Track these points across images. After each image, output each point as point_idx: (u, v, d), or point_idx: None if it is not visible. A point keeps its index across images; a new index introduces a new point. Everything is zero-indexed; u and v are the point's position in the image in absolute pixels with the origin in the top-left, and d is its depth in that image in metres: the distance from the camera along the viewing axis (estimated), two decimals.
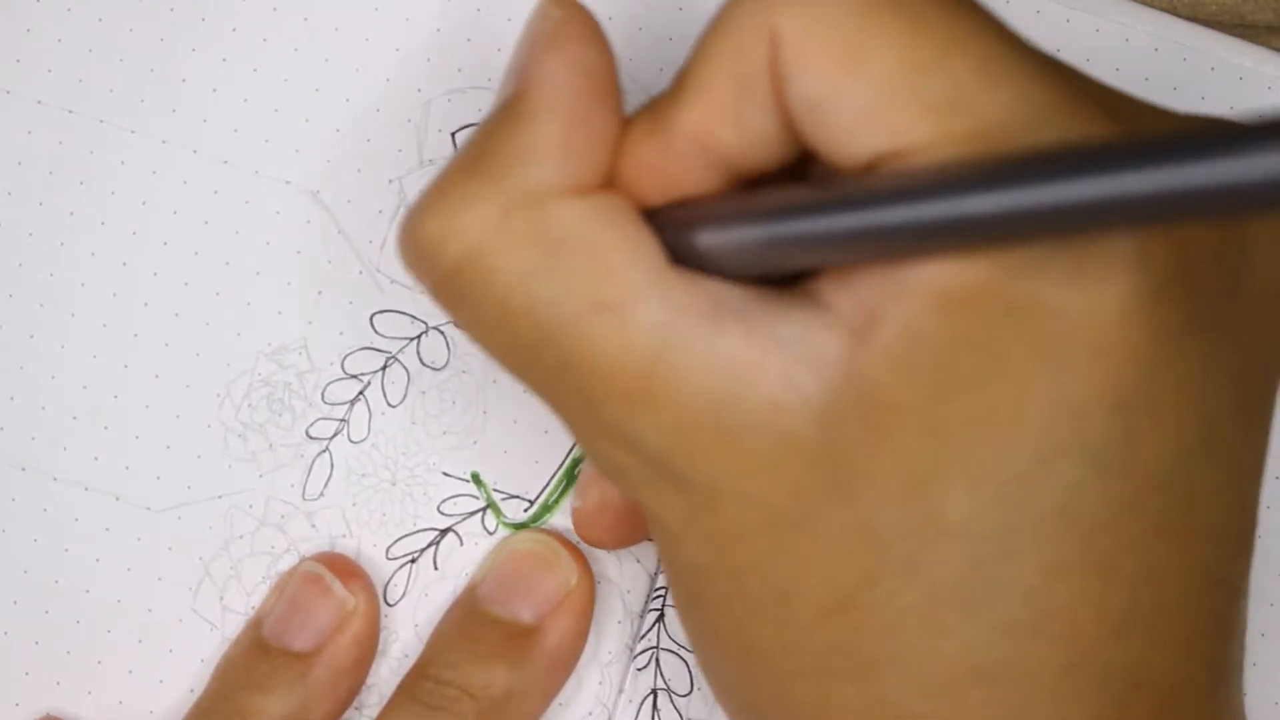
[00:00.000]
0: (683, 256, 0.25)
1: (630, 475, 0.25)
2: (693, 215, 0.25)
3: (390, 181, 0.36)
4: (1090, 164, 0.20)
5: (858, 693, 0.25)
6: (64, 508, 0.36)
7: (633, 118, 0.26)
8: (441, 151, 0.36)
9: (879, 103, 0.23)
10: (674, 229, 0.25)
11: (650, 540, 0.36)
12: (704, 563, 0.25)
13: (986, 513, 0.23)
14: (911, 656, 0.24)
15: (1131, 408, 0.23)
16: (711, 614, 0.26)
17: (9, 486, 0.36)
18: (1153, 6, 0.35)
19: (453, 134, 0.36)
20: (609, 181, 0.25)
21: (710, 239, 0.24)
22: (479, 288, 0.25)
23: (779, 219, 0.23)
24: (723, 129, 0.24)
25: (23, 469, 0.36)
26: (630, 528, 0.34)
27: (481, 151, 0.25)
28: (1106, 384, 0.23)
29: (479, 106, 0.36)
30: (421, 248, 0.25)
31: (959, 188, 0.21)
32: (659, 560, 0.27)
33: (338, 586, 0.35)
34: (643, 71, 0.36)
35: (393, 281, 0.36)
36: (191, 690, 0.36)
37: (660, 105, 0.25)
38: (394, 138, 0.36)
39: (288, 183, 0.36)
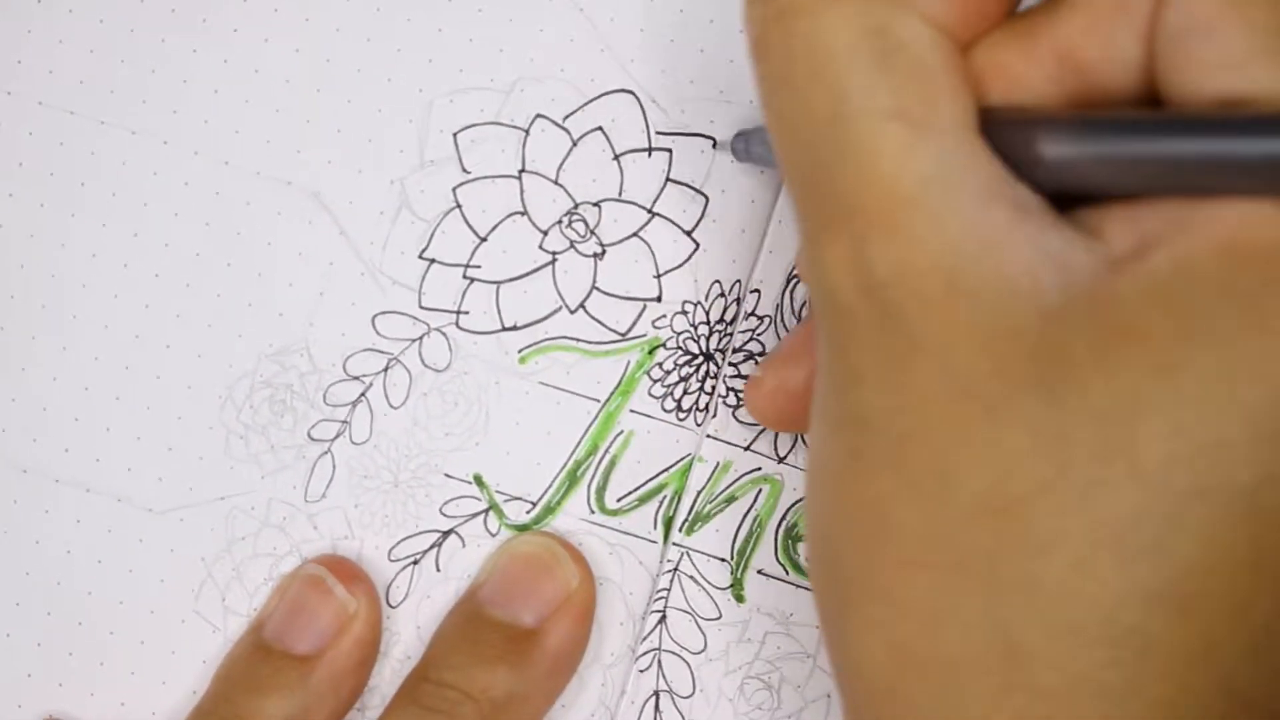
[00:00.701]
0: (998, 146, 0.25)
1: (839, 298, 0.25)
2: (1022, 114, 0.25)
3: (392, 182, 0.36)
4: None
5: (981, 609, 0.24)
6: (66, 509, 0.36)
7: (1009, 20, 0.26)
8: (443, 152, 0.36)
9: (1250, 44, 0.23)
10: (998, 124, 0.25)
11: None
12: (875, 417, 0.25)
13: (1181, 467, 0.23)
14: (1051, 589, 0.23)
15: None
16: (860, 471, 0.25)
17: (11, 488, 0.36)
18: None
19: (454, 134, 0.36)
20: (966, 48, 0.26)
21: (1038, 139, 0.24)
22: (806, 40, 0.25)
23: (1114, 134, 0.24)
24: (1091, 46, 0.25)
25: (24, 471, 0.36)
26: (793, 416, 0.34)
27: None
28: None
29: (481, 107, 0.36)
30: None
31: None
32: (816, 410, 0.27)
33: (339, 589, 0.35)
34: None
35: (394, 283, 0.36)
36: (194, 691, 0.36)
37: (1035, 13, 0.26)
38: (395, 138, 0.36)
39: (289, 184, 0.36)
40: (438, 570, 0.36)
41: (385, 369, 0.36)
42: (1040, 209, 0.24)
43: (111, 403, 0.36)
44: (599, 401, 0.36)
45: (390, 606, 0.36)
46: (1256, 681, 0.24)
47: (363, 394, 0.36)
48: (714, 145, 0.36)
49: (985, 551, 0.24)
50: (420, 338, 0.36)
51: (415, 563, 0.36)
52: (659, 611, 0.36)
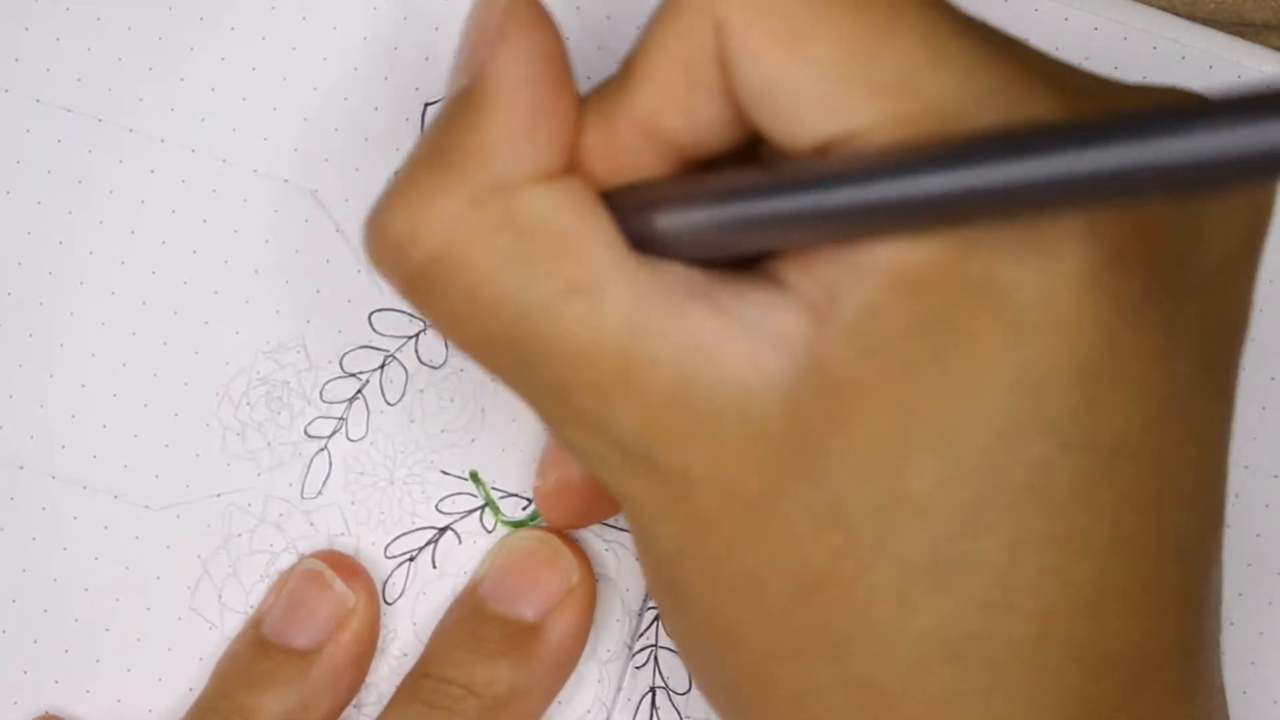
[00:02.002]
0: (640, 241, 0.25)
1: (605, 464, 0.26)
2: (646, 198, 0.25)
3: (388, 180, 0.36)
4: (1037, 144, 0.20)
5: (832, 671, 0.25)
6: (62, 506, 0.36)
7: (583, 100, 0.26)
8: None
9: (826, 87, 0.23)
10: (629, 212, 0.25)
11: (612, 520, 0.36)
12: (678, 549, 0.26)
13: (952, 488, 0.23)
14: (883, 634, 0.24)
15: (1093, 378, 0.23)
16: (687, 599, 0.26)
17: (7, 485, 0.36)
18: (1151, 5, 0.35)
19: None
20: (570, 166, 0.25)
21: (665, 222, 0.24)
22: (449, 281, 0.25)
23: (731, 202, 0.23)
24: (670, 116, 0.25)
25: (21, 467, 0.36)
26: (593, 506, 0.34)
27: (444, 144, 0.25)
28: (1066, 356, 0.23)
29: None
30: (389, 243, 0.25)
31: (908, 169, 0.21)
32: (634, 543, 0.28)
33: (338, 584, 0.35)
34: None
35: None
36: (190, 689, 0.36)
37: (608, 90, 0.25)
38: (392, 136, 0.36)
39: (286, 181, 0.36)
40: (434, 567, 0.36)
41: (382, 366, 0.36)
42: (724, 285, 0.24)
43: (108, 400, 0.36)
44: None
45: (386, 603, 0.36)
46: (1104, 638, 0.24)
47: (359, 391, 0.36)
48: None
49: (814, 628, 0.25)
50: (417, 334, 0.36)
51: (411, 559, 0.36)
52: (655, 608, 0.36)
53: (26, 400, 0.36)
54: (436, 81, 0.36)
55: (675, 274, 0.24)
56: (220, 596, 0.36)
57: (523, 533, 0.36)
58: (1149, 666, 0.25)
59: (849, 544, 0.24)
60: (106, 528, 0.36)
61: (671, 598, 0.27)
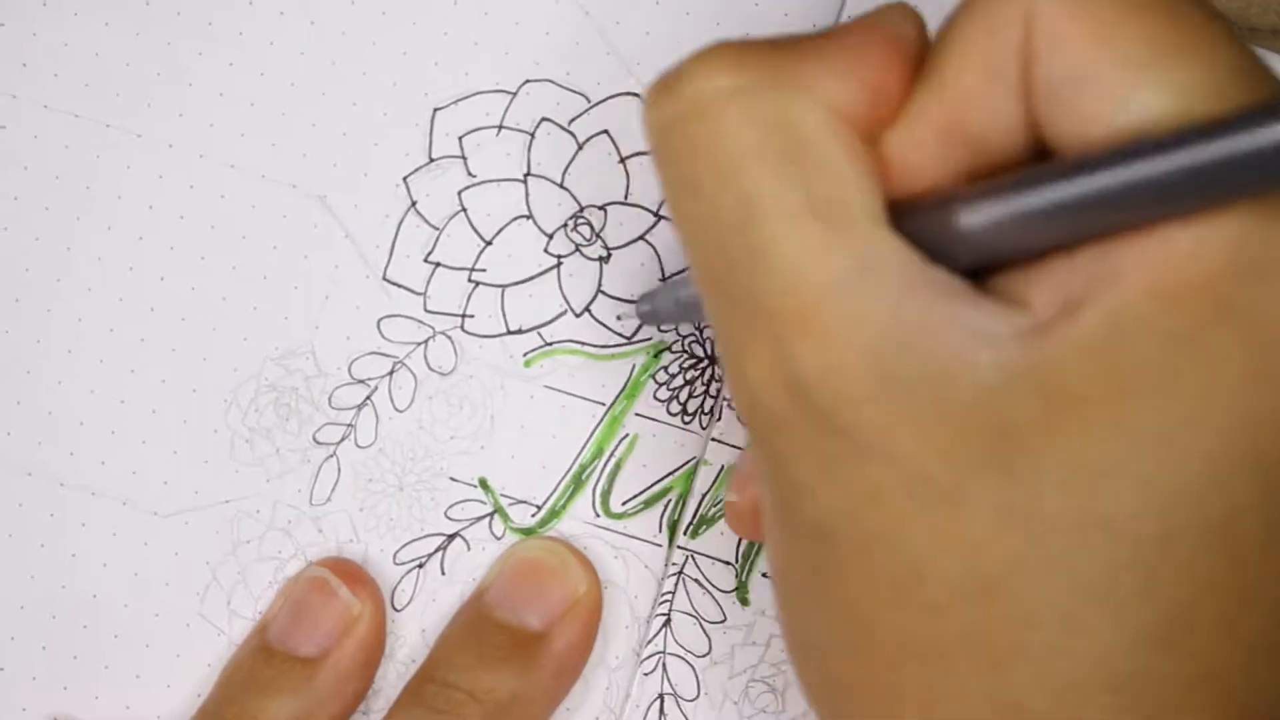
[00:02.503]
0: (911, 235, 0.25)
1: (770, 409, 0.24)
2: (921, 200, 0.25)
3: (397, 186, 0.36)
4: None
5: (979, 685, 0.24)
6: (71, 512, 0.36)
7: None
8: (448, 156, 0.36)
9: (1131, 84, 0.23)
10: (901, 215, 0.25)
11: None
12: (831, 524, 0.24)
13: (1150, 517, 0.23)
14: (1045, 653, 0.23)
15: None
16: (827, 580, 0.25)
17: (16, 491, 0.36)
18: None
19: (460, 138, 0.36)
20: (872, 140, 0.25)
21: (942, 220, 0.24)
22: (709, 141, 0.24)
23: (1015, 191, 0.23)
24: (970, 117, 0.25)
25: (29, 474, 0.36)
26: None
27: (773, 39, 0.25)
28: None
29: (486, 110, 0.36)
30: (672, 88, 0.25)
31: (1192, 139, 0.22)
32: (769, 521, 0.26)
33: (344, 591, 0.35)
34: None
35: (400, 286, 0.36)
36: (198, 695, 0.36)
37: (908, 99, 0.25)
38: (401, 142, 0.36)
39: (294, 187, 0.36)
40: (443, 573, 0.36)
41: (390, 372, 0.36)
42: (960, 289, 0.24)
43: (117, 406, 0.36)
44: (604, 405, 0.36)
45: (395, 609, 0.36)
46: (1255, 692, 0.24)
47: (368, 397, 0.36)
48: (617, 318, 0.36)
49: (971, 633, 0.24)
50: (425, 341, 0.36)
51: (420, 566, 0.36)
52: (664, 615, 0.36)
53: (34, 407, 0.36)
54: (445, 87, 0.36)
55: (919, 260, 0.24)
56: (228, 603, 0.36)
57: (531, 541, 0.36)
58: None
59: (1030, 552, 0.23)
60: (115, 534, 0.36)
61: (806, 578, 0.25)
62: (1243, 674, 0.24)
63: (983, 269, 0.25)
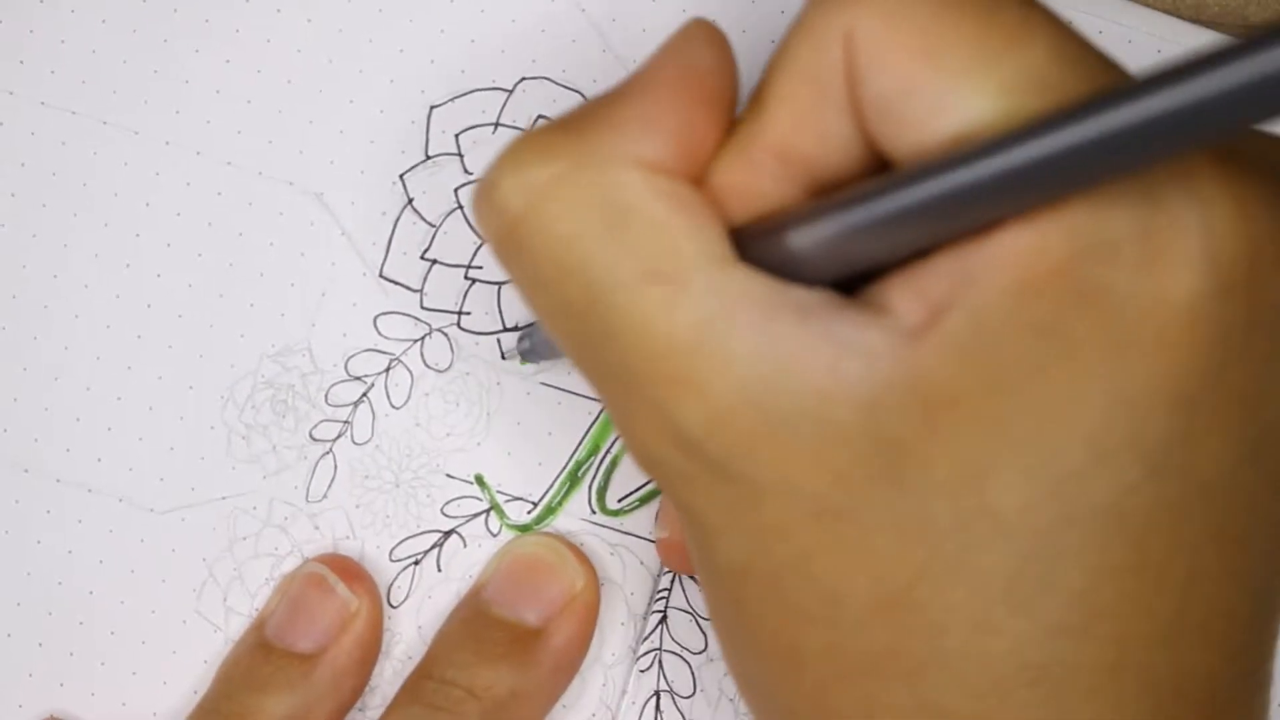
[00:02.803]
0: (757, 259, 0.25)
1: (667, 466, 0.25)
2: (768, 222, 0.25)
3: (394, 183, 0.36)
4: (1147, 88, 0.20)
5: (904, 694, 0.24)
6: (67, 509, 0.36)
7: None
8: (445, 153, 0.36)
9: (953, 88, 0.23)
10: (752, 239, 0.25)
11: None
12: (744, 561, 0.25)
13: (1040, 508, 0.23)
14: (960, 656, 0.24)
15: (1192, 408, 0.23)
16: (750, 616, 0.25)
17: (12, 488, 0.36)
18: (1155, 8, 0.35)
19: (456, 135, 0.36)
20: (694, 178, 0.25)
21: (786, 240, 0.24)
22: (538, 240, 0.25)
23: (854, 205, 0.23)
24: (803, 138, 0.25)
25: (26, 470, 0.36)
26: None
27: (568, 118, 0.26)
28: (1168, 380, 0.23)
29: (483, 108, 0.36)
30: (490, 199, 0.25)
31: (1027, 135, 0.22)
32: (694, 564, 0.27)
33: (341, 587, 0.35)
34: None
35: (396, 283, 0.36)
36: (195, 691, 0.36)
37: (741, 122, 0.26)
38: (398, 139, 0.36)
39: (291, 184, 0.36)
40: (439, 570, 0.36)
41: (387, 369, 0.36)
42: (823, 304, 0.24)
43: (113, 403, 0.36)
44: (600, 402, 0.36)
45: (391, 606, 0.36)
46: (1180, 670, 0.24)
47: (364, 394, 0.36)
48: (502, 357, 0.36)
49: (888, 648, 0.24)
50: (422, 338, 0.36)
51: (416, 563, 0.36)
52: (660, 611, 0.36)
53: (31, 403, 0.36)
54: (441, 84, 0.36)
55: (773, 285, 0.24)
56: (225, 599, 0.36)
57: (528, 537, 0.36)
58: (1218, 700, 0.25)
59: (930, 560, 0.23)
60: (112, 531, 0.36)
61: (733, 616, 0.26)
62: (1163, 654, 0.24)
63: (848, 279, 0.25)
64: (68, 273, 0.36)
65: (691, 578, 0.36)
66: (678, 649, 0.36)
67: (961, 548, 0.23)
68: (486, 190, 0.26)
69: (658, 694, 0.36)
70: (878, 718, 0.25)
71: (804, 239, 0.24)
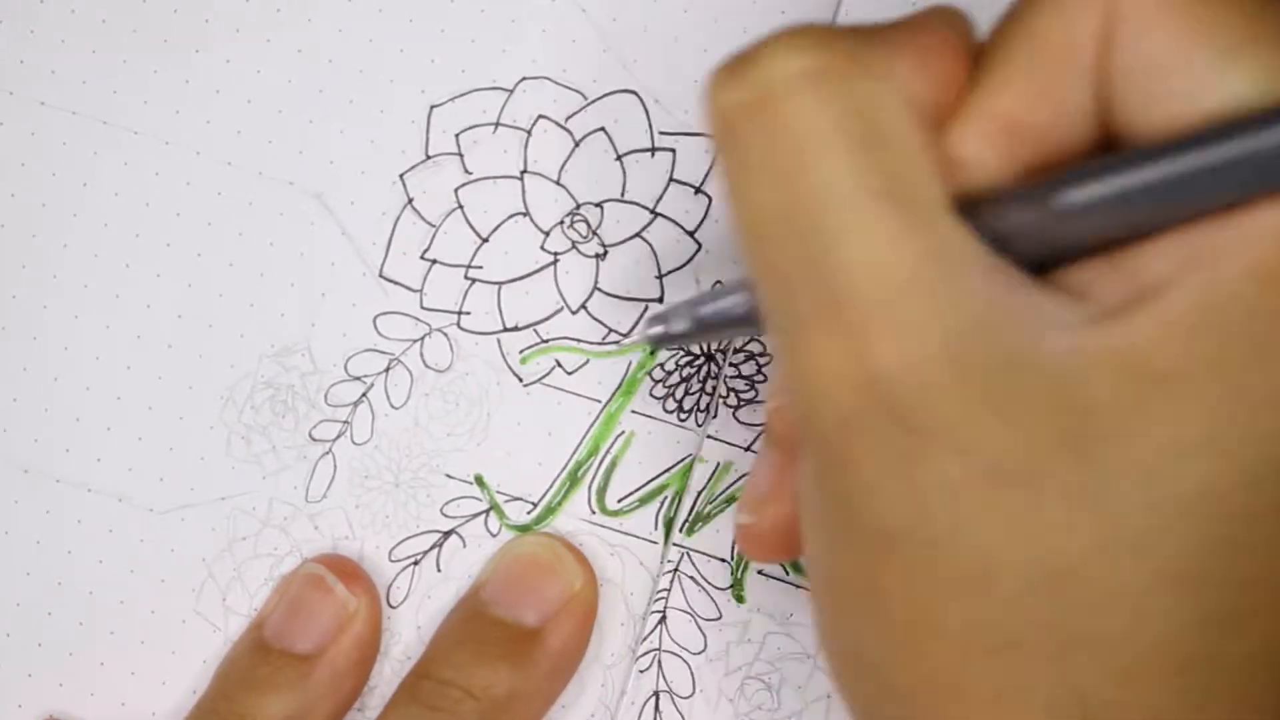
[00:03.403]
0: (980, 228, 0.24)
1: (837, 406, 0.24)
2: (986, 194, 0.24)
3: (394, 183, 0.36)
4: None
5: (1044, 673, 0.23)
6: (67, 509, 0.36)
7: None
8: (445, 153, 0.36)
9: (1222, 67, 0.23)
10: (977, 205, 0.24)
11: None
12: (899, 521, 0.24)
13: (1230, 497, 0.23)
14: (1117, 637, 0.23)
15: None
16: (889, 583, 0.24)
17: (12, 488, 0.36)
18: None
19: (456, 135, 0.36)
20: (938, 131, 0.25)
21: (1008, 213, 0.24)
22: (784, 125, 0.24)
23: (1107, 174, 0.23)
24: (1040, 109, 0.24)
25: (25, 470, 0.36)
26: (799, 543, 0.32)
27: (848, 28, 0.25)
28: None
29: (483, 108, 0.36)
30: (746, 69, 0.24)
31: None
32: (819, 528, 0.26)
33: (339, 588, 0.35)
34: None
35: (396, 283, 0.36)
36: (194, 691, 0.36)
37: (971, 90, 0.25)
38: (398, 139, 0.36)
39: (291, 184, 0.36)
40: (438, 570, 0.36)
41: (387, 369, 0.36)
42: (1030, 280, 0.24)
43: (113, 403, 0.36)
44: (600, 402, 0.36)
45: (391, 606, 0.36)
46: None
47: (364, 394, 0.36)
48: (622, 336, 0.35)
49: (1042, 621, 0.23)
50: (422, 338, 0.36)
51: (416, 563, 0.36)
52: (659, 612, 0.36)
53: (30, 403, 0.36)
54: (442, 84, 0.36)
55: (988, 252, 0.24)
56: (224, 599, 0.36)
57: (526, 538, 0.36)
58: None
59: (1106, 537, 0.23)
60: (111, 531, 0.36)
61: (865, 583, 0.25)
62: None
63: (1044, 265, 0.24)
64: (67, 273, 0.36)
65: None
66: (677, 649, 0.36)
67: (1146, 528, 0.23)
68: (741, 64, 0.24)
69: (657, 694, 0.36)
70: (1007, 699, 0.24)
71: (1058, 202, 0.24)
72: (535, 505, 0.36)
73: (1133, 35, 0.23)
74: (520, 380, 0.36)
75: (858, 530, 0.24)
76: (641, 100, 0.36)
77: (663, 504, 0.36)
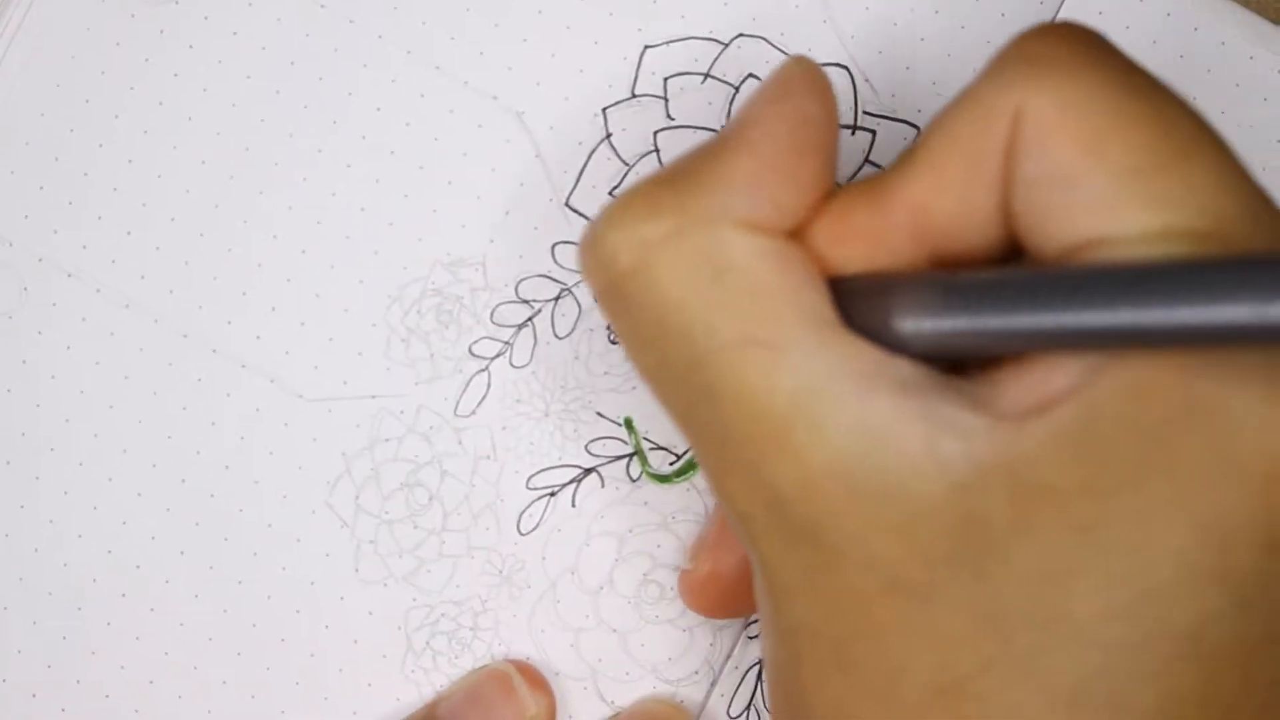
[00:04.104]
0: (861, 325, 0.25)
1: (752, 521, 0.25)
2: (884, 286, 0.25)
3: (596, 115, 0.36)
4: None
5: None
6: (218, 381, 0.36)
7: (848, 185, 0.26)
8: (651, 95, 0.36)
9: (1113, 190, 0.23)
10: (859, 296, 0.25)
11: (745, 616, 0.36)
12: (813, 625, 0.25)
13: (1119, 620, 0.23)
14: None
15: None
16: (809, 678, 0.25)
17: (168, 351, 0.35)
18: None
19: (665, 79, 0.36)
20: (796, 233, 0.26)
21: (897, 317, 0.24)
22: (641, 297, 0.25)
23: (984, 305, 0.23)
24: (944, 203, 0.25)
25: (184, 335, 0.36)
26: (733, 602, 0.34)
27: (674, 173, 0.26)
28: (1271, 520, 0.22)
29: (695, 57, 0.36)
30: (598, 252, 0.26)
31: (1186, 275, 0.21)
32: (760, 616, 0.27)
33: (523, 689, 0.35)
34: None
35: (581, 215, 0.36)
36: (311, 582, 0.35)
37: (882, 176, 0.26)
38: (607, 72, 0.36)
39: (495, 98, 0.36)
40: (573, 506, 0.36)
41: (557, 298, 0.36)
42: (923, 380, 0.24)
43: (281, 283, 0.36)
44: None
45: (520, 534, 0.36)
46: None
47: (530, 319, 0.36)
48: None
49: None
50: None
51: (552, 494, 0.36)
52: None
53: (201, 271, 0.36)
54: (659, 25, 0.36)
55: (875, 357, 0.24)
56: (357, 497, 0.36)
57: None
58: None
59: (1000, 654, 0.23)
60: (257, 410, 0.36)
61: (790, 676, 0.26)
62: None
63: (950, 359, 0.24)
64: (259, 150, 0.36)
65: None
66: None
67: (1033, 648, 0.23)
68: (594, 242, 0.26)
69: (760, 663, 0.36)
70: None
71: (918, 324, 0.24)
72: (679, 458, 0.36)
73: (1035, 146, 0.24)
74: None
75: (781, 625, 0.25)
76: (852, 77, 0.36)
77: None
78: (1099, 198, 0.23)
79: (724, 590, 0.34)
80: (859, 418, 0.24)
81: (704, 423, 0.25)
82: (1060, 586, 0.23)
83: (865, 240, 0.25)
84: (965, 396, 0.24)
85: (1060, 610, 0.23)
